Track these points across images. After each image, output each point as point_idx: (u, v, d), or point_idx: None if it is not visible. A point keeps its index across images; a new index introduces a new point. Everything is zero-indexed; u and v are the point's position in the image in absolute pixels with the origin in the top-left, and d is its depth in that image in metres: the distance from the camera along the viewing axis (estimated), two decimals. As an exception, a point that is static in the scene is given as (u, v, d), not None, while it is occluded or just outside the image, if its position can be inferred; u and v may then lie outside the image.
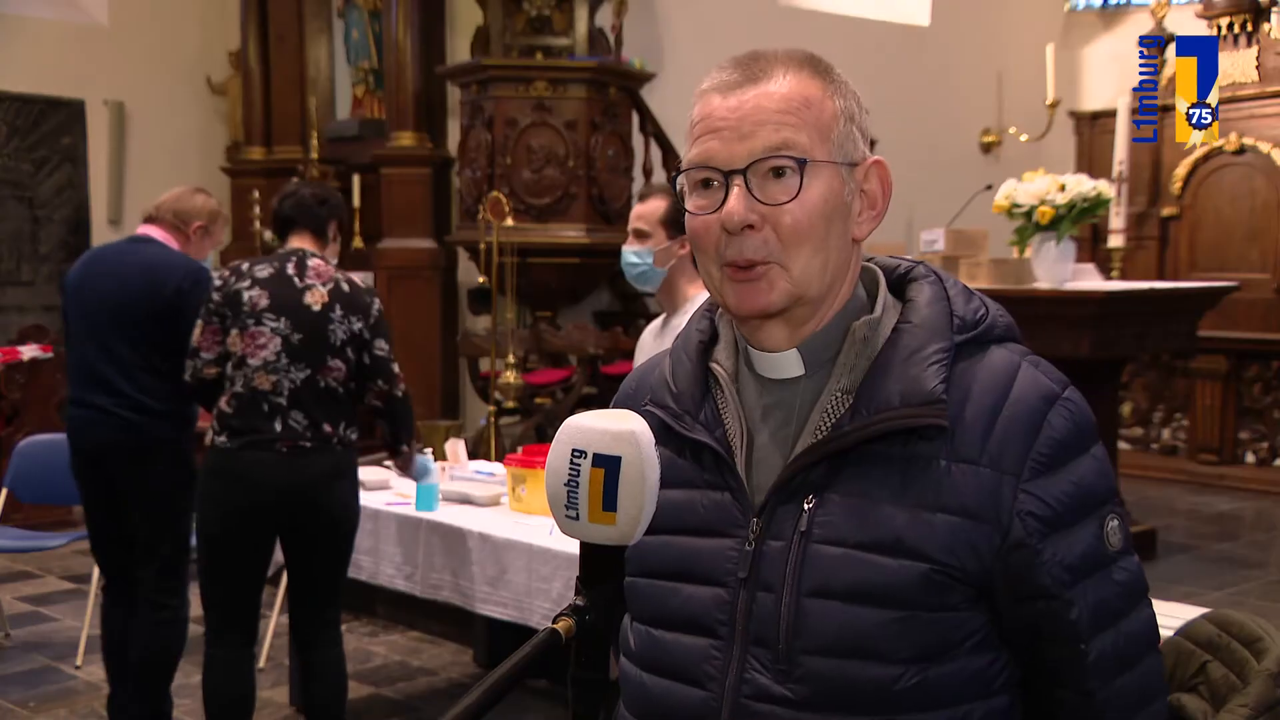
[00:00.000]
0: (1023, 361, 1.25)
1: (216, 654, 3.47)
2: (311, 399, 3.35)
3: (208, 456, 3.42)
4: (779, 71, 1.24)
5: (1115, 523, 1.24)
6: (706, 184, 1.25)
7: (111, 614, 3.89)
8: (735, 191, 1.22)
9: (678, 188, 1.29)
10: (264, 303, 3.35)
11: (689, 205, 1.26)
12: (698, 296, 3.26)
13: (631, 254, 3.28)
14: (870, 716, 1.18)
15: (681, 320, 3.23)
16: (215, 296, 3.42)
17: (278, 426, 3.32)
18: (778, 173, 1.22)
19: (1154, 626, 1.28)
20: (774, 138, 1.21)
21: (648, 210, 3.30)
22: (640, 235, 3.28)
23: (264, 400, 3.32)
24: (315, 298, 3.39)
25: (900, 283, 1.32)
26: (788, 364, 1.27)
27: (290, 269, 3.41)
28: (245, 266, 3.45)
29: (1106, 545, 1.22)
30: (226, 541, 3.38)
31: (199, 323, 3.44)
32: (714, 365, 1.32)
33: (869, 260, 1.35)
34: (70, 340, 3.79)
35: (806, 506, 1.22)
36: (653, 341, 3.35)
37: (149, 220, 3.82)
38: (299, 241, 3.50)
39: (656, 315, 3.53)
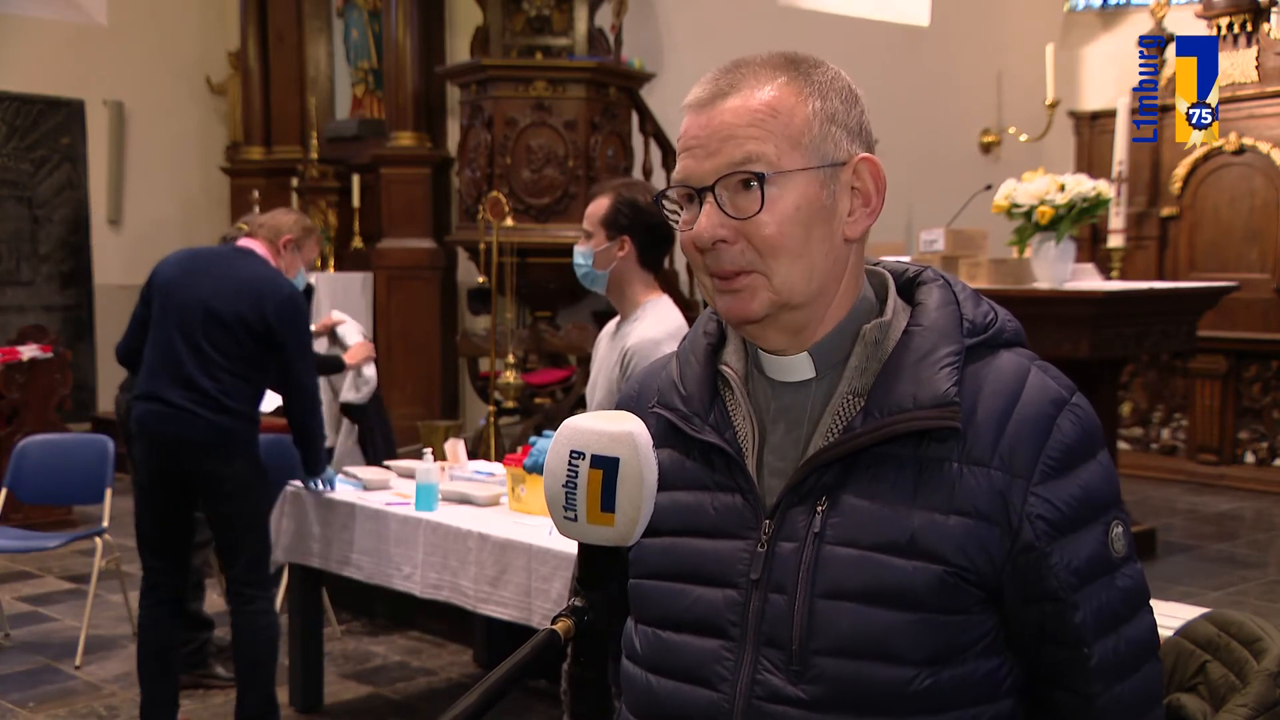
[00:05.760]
0: (1032, 366, 1.26)
1: None
2: None
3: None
4: (750, 83, 1.24)
5: (1119, 529, 1.24)
6: (690, 200, 1.27)
7: (153, 616, 3.88)
8: (705, 208, 1.23)
9: (663, 204, 1.30)
10: None
11: (679, 221, 1.28)
12: (650, 302, 3.19)
13: (578, 254, 3.20)
14: (882, 718, 1.19)
15: (634, 326, 3.20)
16: None
17: None
18: (746, 185, 1.22)
19: (1154, 634, 1.28)
20: (737, 153, 1.22)
21: (591, 210, 3.21)
22: (586, 235, 3.20)
23: None
24: None
25: (909, 286, 1.32)
26: (799, 367, 1.28)
27: None
28: None
29: (1111, 551, 1.23)
30: None
31: None
32: (724, 368, 1.32)
33: (876, 264, 1.35)
34: (149, 333, 3.83)
35: (819, 508, 1.22)
36: (607, 344, 3.27)
37: (248, 236, 3.98)
38: None
39: None
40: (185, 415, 3.70)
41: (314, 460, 4.04)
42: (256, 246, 3.90)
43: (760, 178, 1.21)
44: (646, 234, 3.15)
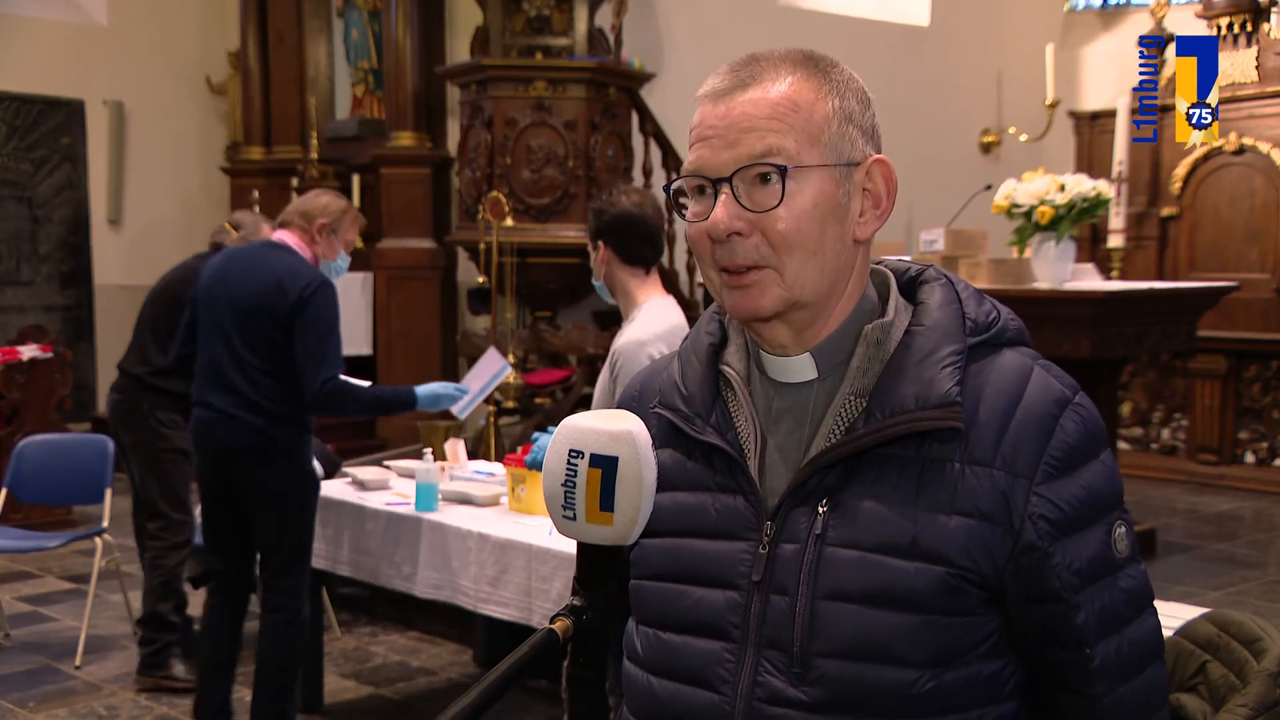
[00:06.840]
0: (1034, 365, 1.25)
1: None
2: None
3: None
4: (770, 76, 1.23)
5: (1122, 529, 1.23)
6: (702, 191, 1.25)
7: (216, 618, 3.86)
8: (721, 199, 1.22)
9: (671, 194, 1.29)
10: None
11: (688, 213, 1.27)
12: (645, 302, 3.28)
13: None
14: None
15: (627, 328, 3.26)
16: None
17: None
18: (765, 179, 1.21)
19: (1158, 636, 1.27)
20: (758, 145, 1.21)
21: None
22: None
23: None
24: None
25: (911, 285, 1.31)
26: (801, 368, 1.27)
27: None
28: None
29: (1114, 551, 1.22)
30: None
31: None
32: (725, 368, 1.31)
33: (878, 263, 1.34)
34: (198, 340, 3.79)
35: (821, 510, 1.21)
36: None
37: (281, 226, 3.84)
38: None
39: None
40: (226, 419, 3.65)
41: (398, 406, 3.99)
42: (288, 238, 3.77)
43: (782, 171, 1.20)
44: (613, 233, 3.26)
